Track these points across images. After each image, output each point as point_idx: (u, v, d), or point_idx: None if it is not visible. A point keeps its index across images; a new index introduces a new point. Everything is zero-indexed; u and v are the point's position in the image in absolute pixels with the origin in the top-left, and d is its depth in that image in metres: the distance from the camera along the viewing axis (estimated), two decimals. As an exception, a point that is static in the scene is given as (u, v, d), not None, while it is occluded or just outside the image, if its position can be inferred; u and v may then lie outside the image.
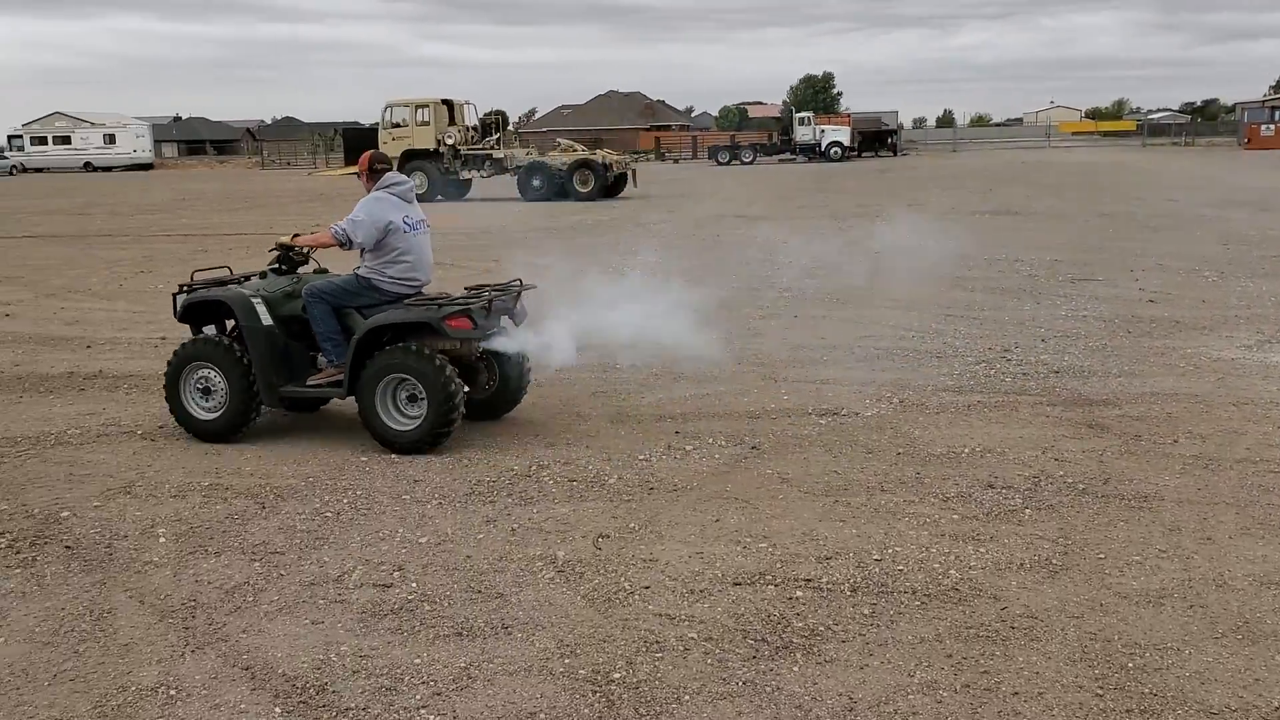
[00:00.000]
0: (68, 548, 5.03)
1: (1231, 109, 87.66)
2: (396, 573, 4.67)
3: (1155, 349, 8.72)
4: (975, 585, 4.43)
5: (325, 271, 7.14)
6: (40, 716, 3.60)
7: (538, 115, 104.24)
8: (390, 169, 6.85)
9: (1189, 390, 7.38)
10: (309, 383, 6.60)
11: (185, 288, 6.83)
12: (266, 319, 6.49)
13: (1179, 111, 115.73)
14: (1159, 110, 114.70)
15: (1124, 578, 4.47)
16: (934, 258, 14.53)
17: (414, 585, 4.54)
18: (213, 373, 6.53)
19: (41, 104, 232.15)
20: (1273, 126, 57.31)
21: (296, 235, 7.02)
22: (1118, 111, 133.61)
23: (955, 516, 5.19)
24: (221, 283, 6.83)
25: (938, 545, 4.84)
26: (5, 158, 65.55)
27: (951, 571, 4.57)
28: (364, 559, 4.83)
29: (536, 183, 29.51)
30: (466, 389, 6.38)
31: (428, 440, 6.23)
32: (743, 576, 4.53)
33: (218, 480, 5.93)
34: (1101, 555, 4.71)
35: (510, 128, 42.27)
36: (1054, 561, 4.65)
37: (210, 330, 6.89)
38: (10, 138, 68.95)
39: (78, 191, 40.49)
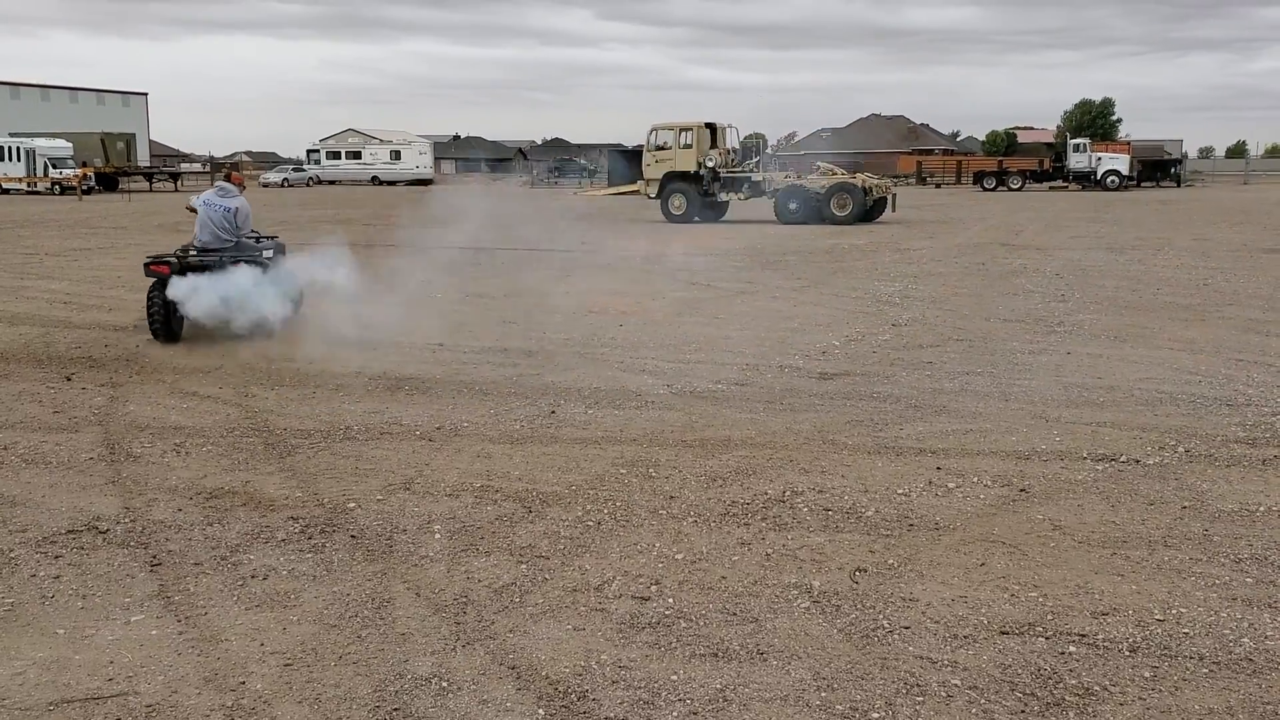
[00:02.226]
0: (353, 537, 5.42)
1: None
2: (654, 586, 4.76)
3: None
4: (1272, 657, 4.05)
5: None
6: (327, 695, 3.88)
7: (798, 138, 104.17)
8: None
9: None
10: None
11: None
12: None
13: None
14: None
15: None
16: (1223, 298, 13.48)
17: (670, 601, 4.60)
18: None
19: (337, 121, 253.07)
20: None
21: None
22: None
23: (1249, 580, 4.77)
24: None
25: (1229, 610, 4.46)
26: (304, 170, 71.84)
27: (1245, 640, 4.19)
28: (623, 570, 4.94)
29: (793, 205, 29.44)
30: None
31: None
32: (1010, 625, 4.33)
33: (488, 483, 6.23)
34: None
35: (769, 150, 42.40)
36: (1368, 641, 4.19)
37: None
38: (309, 152, 75.65)
39: (364, 203, 43.73)
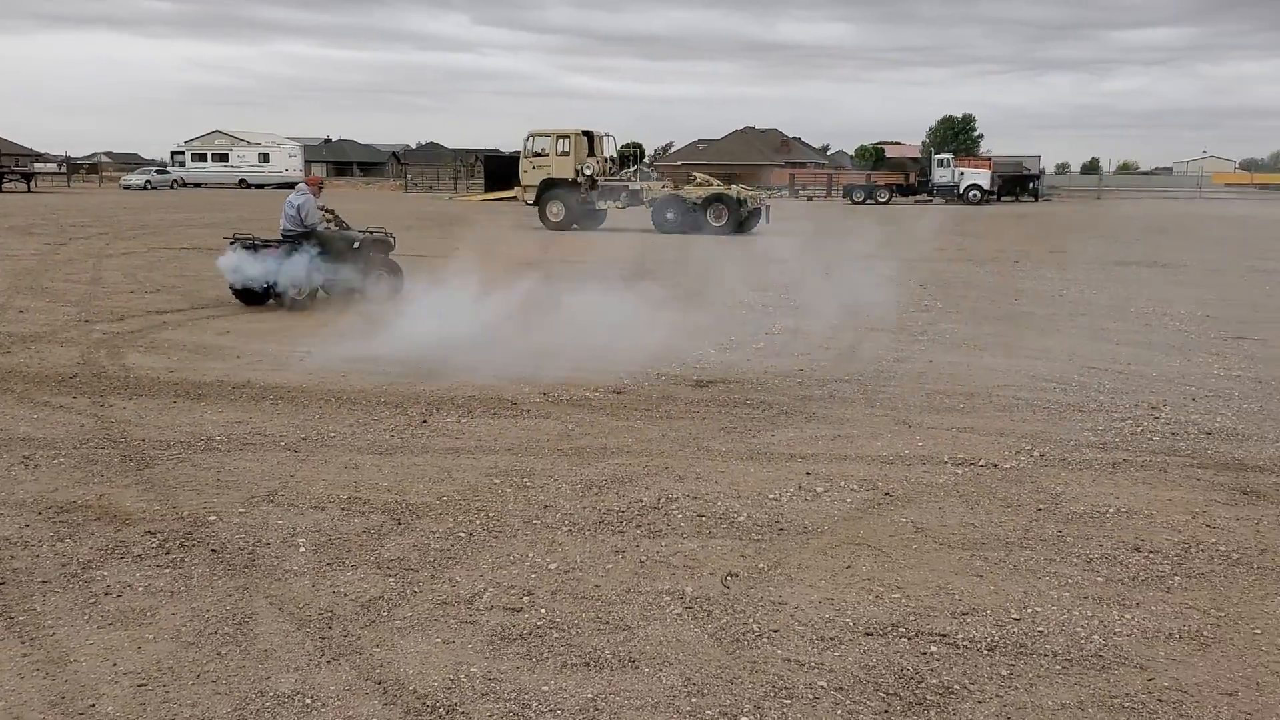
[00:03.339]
0: (214, 551, 5.23)
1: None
2: (526, 597, 4.72)
3: (1318, 415, 8.25)
4: (1121, 653, 4.24)
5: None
6: (183, 715, 3.74)
7: (674, 149, 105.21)
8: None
9: (1356, 461, 6.96)
10: None
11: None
12: None
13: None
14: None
15: (1284, 657, 4.22)
16: (1076, 308, 14.09)
17: (543, 611, 4.57)
18: None
19: (203, 123, 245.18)
20: None
21: None
22: (1277, 164, 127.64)
23: (1099, 579, 4.99)
24: None
25: (1080, 608, 4.66)
26: (167, 172, 69.28)
27: (1095, 637, 4.38)
28: (495, 581, 4.89)
29: (670, 215, 29.69)
30: None
31: None
32: (875, 627, 4.43)
33: (356, 494, 6.09)
34: (1258, 630, 4.46)
35: (646, 160, 42.73)
36: (1205, 633, 4.42)
37: None
38: (173, 153, 73.00)
39: (232, 207, 42.41)
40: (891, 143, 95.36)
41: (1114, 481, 6.50)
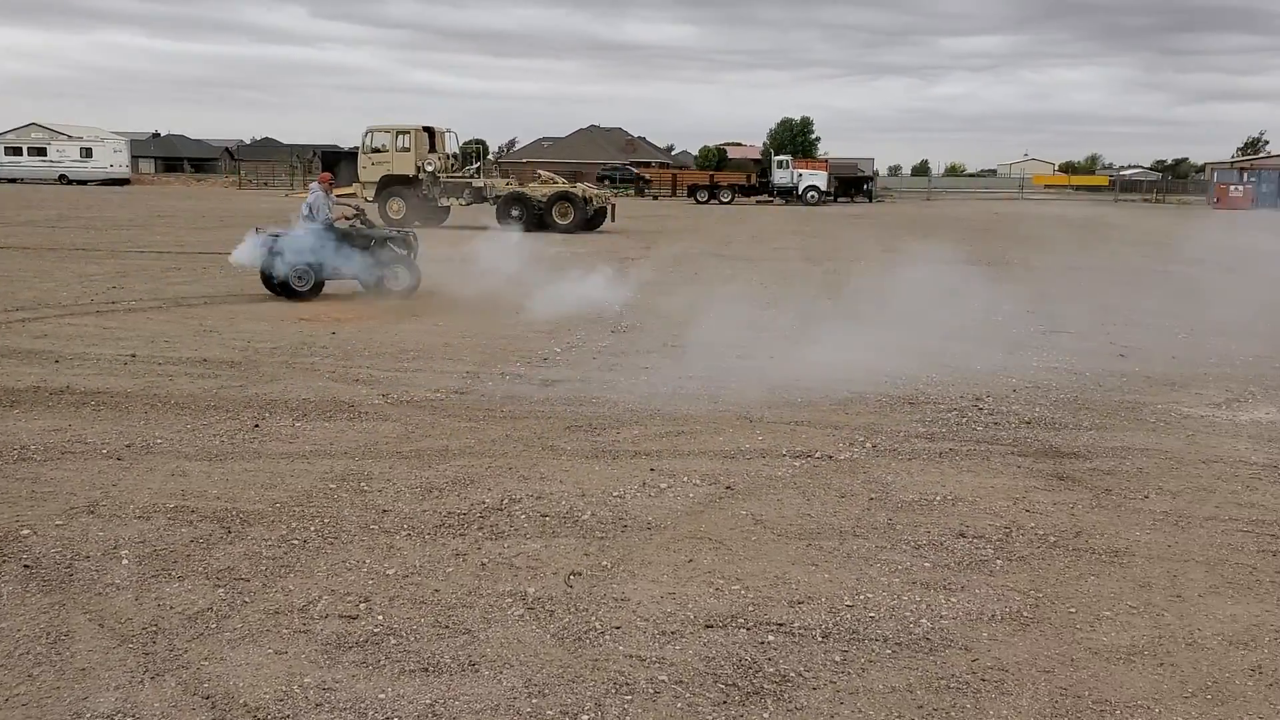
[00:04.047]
0: (26, 567, 4.93)
1: (1201, 168, 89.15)
2: (363, 604, 4.61)
3: (1126, 403, 8.80)
4: (946, 635, 4.42)
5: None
6: (-9, 741, 3.51)
7: (519, 146, 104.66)
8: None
9: (1159, 446, 7.44)
10: None
11: None
12: None
13: (1150, 169, 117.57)
14: (1131, 167, 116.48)
15: (1095, 633, 4.47)
16: (906, 304, 14.63)
17: (380, 618, 4.47)
18: None
19: (19, 114, 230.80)
20: (1241, 188, 58.41)
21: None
22: (1090, 166, 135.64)
23: (927, 565, 5.19)
24: None
25: (909, 593, 4.83)
26: (-27, 166, 64.97)
27: (923, 620, 4.55)
28: (330, 589, 4.76)
29: (515, 213, 29.51)
30: None
31: None
32: (715, 619, 4.50)
33: (184, 502, 5.84)
34: (1073, 609, 4.71)
35: (490, 157, 42.38)
36: (1025, 614, 4.65)
37: None
38: (-17, 146, 68.47)
39: (51, 204, 40.12)
40: (734, 144, 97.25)
41: (941, 470, 6.78)
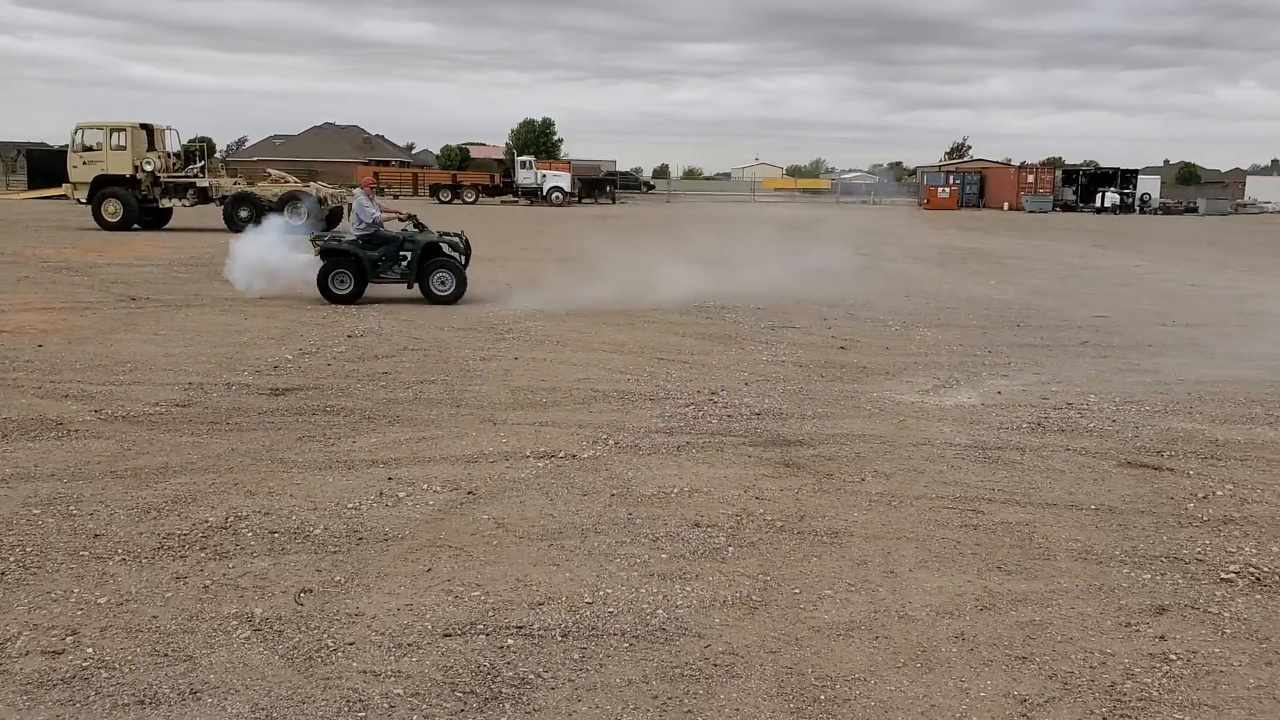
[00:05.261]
0: None
1: (913, 172, 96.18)
2: (70, 638, 4.26)
3: (845, 393, 9.35)
4: (681, 624, 4.55)
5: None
6: None
7: (249, 144, 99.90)
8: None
9: (875, 431, 7.95)
10: None
11: None
12: None
13: (868, 172, 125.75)
14: (851, 170, 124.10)
15: (817, 611, 4.72)
16: (646, 303, 14.99)
17: (90, 651, 4.15)
18: None
19: None
20: (948, 190, 63.60)
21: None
22: (815, 170, 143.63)
23: (664, 556, 5.32)
24: None
25: (647, 585, 4.94)
26: None
27: (660, 611, 4.66)
28: (31, 624, 4.37)
29: (244, 214, 28.12)
30: None
31: None
32: (453, 627, 4.44)
33: None
34: (797, 590, 4.95)
35: (218, 156, 40.24)
36: (754, 598, 4.85)
37: None
38: None
39: None
40: (477, 143, 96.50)
41: (678, 463, 6.97)
